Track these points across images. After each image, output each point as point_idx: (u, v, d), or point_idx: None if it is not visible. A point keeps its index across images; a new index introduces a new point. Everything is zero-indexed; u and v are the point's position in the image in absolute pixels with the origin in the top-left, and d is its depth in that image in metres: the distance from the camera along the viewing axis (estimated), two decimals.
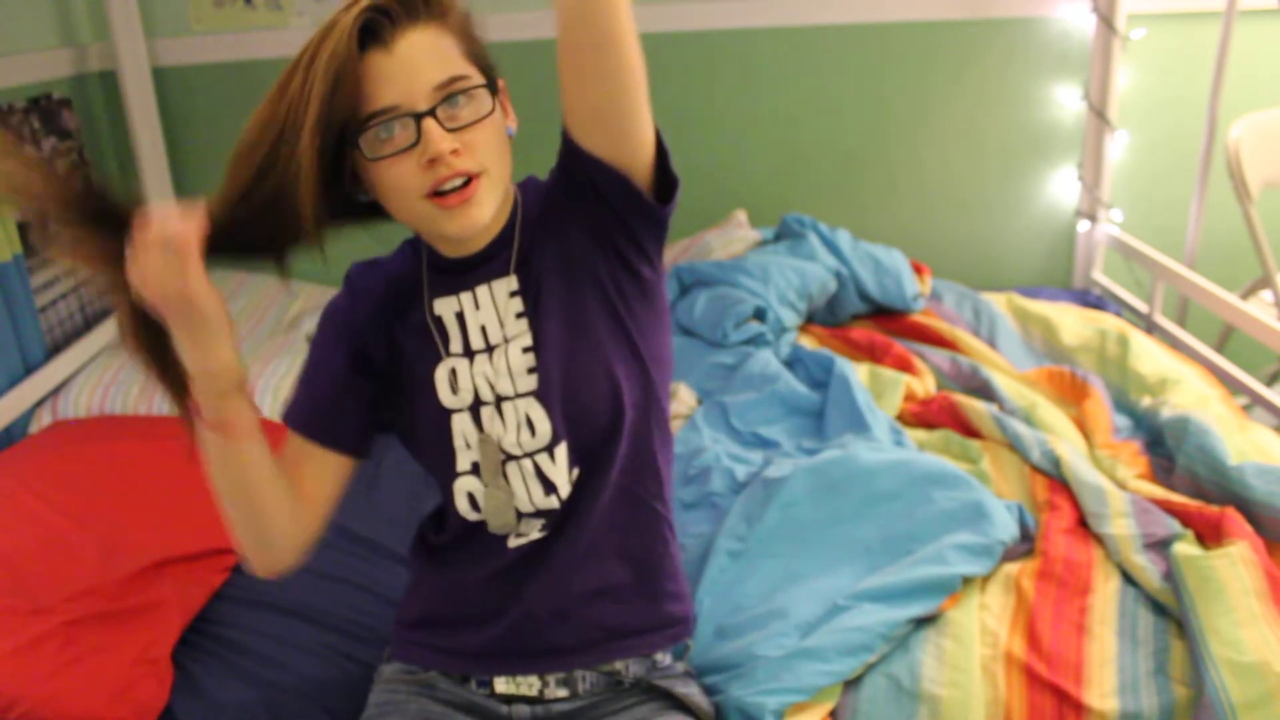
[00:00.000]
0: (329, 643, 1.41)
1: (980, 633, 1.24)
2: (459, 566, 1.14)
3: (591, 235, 1.05)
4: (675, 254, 2.48)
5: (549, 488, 1.06)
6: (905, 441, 1.70)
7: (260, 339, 2.23)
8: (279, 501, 1.02)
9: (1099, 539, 1.41)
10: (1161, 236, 2.47)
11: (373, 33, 0.93)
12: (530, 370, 1.05)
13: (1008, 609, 1.29)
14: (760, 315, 2.11)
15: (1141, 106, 2.51)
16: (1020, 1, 2.45)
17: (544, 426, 1.05)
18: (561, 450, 1.06)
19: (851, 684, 1.20)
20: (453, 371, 1.07)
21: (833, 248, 2.31)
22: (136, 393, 1.99)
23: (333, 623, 1.44)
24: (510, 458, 1.06)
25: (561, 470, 1.06)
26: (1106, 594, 1.30)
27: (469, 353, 1.07)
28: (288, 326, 2.31)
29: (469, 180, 0.95)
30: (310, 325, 2.30)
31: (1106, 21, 2.36)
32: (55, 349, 2.15)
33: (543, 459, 1.06)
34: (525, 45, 2.00)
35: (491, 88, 0.99)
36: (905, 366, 1.97)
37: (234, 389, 0.94)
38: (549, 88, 1.05)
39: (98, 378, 2.03)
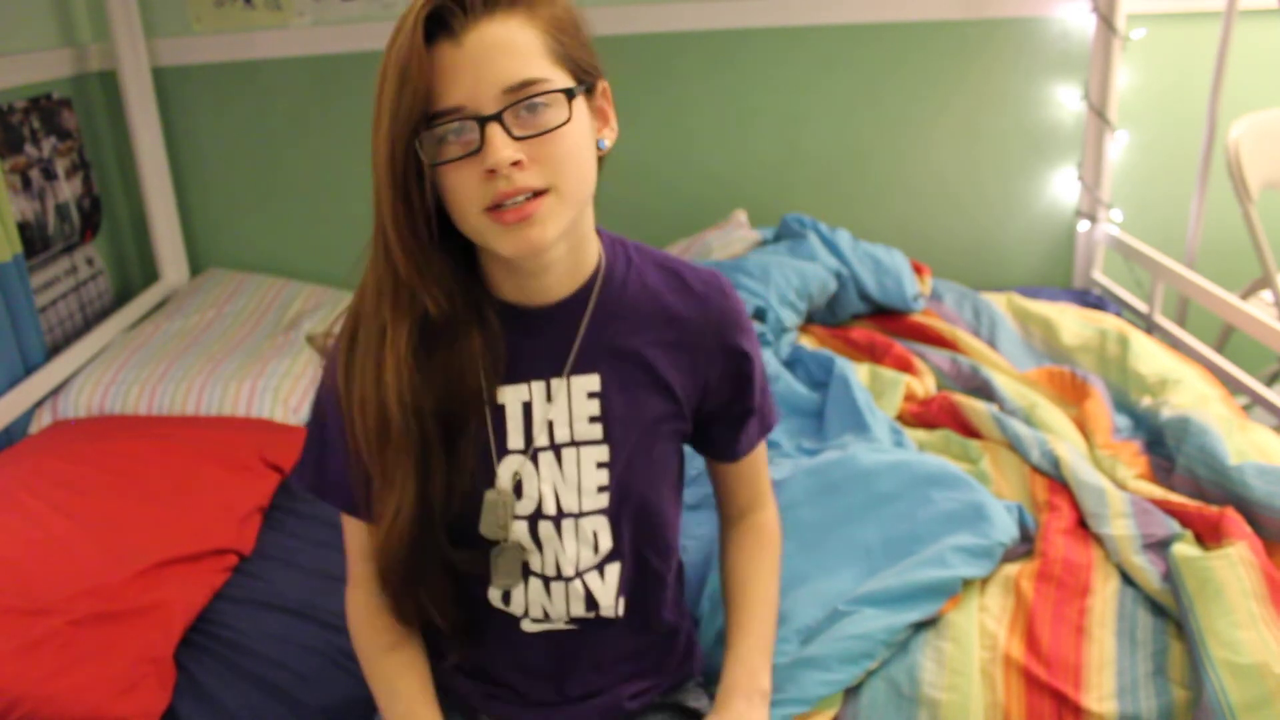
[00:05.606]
0: (331, 642, 1.41)
1: (979, 635, 1.24)
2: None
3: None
4: (675, 253, 2.47)
5: (591, 605, 1.03)
6: (905, 442, 1.70)
7: (260, 339, 2.23)
8: None
9: (1098, 539, 1.41)
10: (1161, 236, 2.47)
11: (443, 23, 0.83)
12: (601, 489, 0.99)
13: (1007, 610, 1.28)
14: (760, 315, 2.11)
15: (1141, 106, 2.51)
16: (1020, 1, 2.45)
17: (606, 545, 1.00)
18: (614, 569, 1.02)
19: (851, 690, 1.20)
20: (515, 475, 0.98)
21: (833, 248, 2.31)
22: (136, 393, 1.99)
23: (335, 622, 1.44)
24: (558, 577, 1.01)
25: (610, 589, 1.02)
26: (1106, 595, 1.30)
27: (531, 450, 0.98)
28: (288, 326, 2.31)
29: (533, 196, 0.84)
30: (310, 325, 2.29)
31: (1106, 21, 2.36)
32: (55, 349, 2.15)
33: (592, 578, 1.01)
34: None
35: (586, 89, 0.89)
36: (905, 367, 1.97)
37: None
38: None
39: (98, 378, 2.02)
